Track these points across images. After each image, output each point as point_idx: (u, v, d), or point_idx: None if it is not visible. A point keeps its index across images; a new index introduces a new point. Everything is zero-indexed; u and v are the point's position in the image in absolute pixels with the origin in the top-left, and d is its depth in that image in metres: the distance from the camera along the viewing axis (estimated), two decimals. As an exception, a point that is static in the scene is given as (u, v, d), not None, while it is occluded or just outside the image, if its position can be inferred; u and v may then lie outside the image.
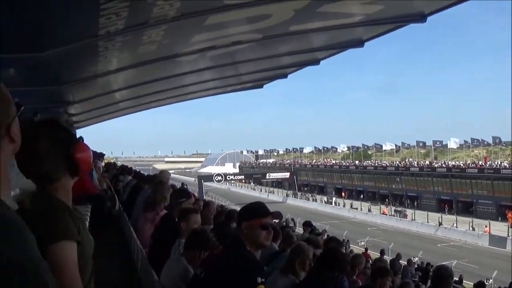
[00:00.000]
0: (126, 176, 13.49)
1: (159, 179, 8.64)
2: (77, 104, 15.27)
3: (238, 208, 5.49)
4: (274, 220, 3.85)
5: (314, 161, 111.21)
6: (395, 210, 66.97)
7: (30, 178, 2.10)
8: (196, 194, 58.54)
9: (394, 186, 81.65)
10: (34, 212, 1.98)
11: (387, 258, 23.55)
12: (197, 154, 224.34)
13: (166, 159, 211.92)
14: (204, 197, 59.59)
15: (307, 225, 12.82)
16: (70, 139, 2.14)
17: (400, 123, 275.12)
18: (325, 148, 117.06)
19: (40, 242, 1.71)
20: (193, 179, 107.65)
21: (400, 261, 22.39)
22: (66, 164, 2.10)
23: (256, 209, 3.56)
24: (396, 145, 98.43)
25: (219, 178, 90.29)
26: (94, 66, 9.87)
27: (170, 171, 10.65)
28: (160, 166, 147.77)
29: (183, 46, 10.57)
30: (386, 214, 66.62)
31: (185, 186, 22.11)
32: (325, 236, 11.31)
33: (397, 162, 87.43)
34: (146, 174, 16.47)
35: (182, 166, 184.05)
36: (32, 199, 2.09)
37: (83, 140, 2.19)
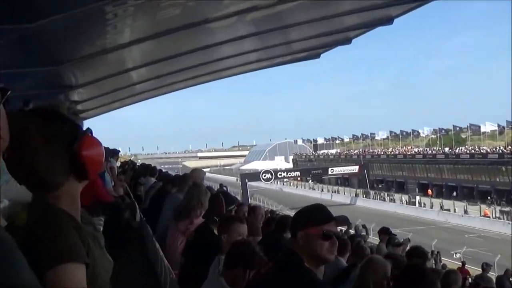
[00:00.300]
0: (148, 177, 13.64)
1: (192, 180, 8.69)
2: (81, 89, 15.55)
3: (292, 214, 5.44)
4: (340, 228, 3.80)
5: (390, 149, 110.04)
6: (500, 211, 65.46)
7: (24, 184, 2.06)
8: (239, 198, 58.63)
9: (498, 180, 79.80)
10: (29, 228, 1.97)
11: (492, 275, 23.04)
12: (239, 146, 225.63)
13: (199, 155, 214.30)
14: (250, 201, 59.92)
15: (384, 232, 12.69)
16: (74, 132, 2.08)
17: (503, 95, 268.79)
18: (404, 133, 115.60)
19: (37, 265, 1.71)
20: (234, 178, 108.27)
21: (511, 279, 21.87)
22: (69, 164, 2.05)
23: (316, 214, 3.53)
24: (499, 125, 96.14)
25: (268, 176, 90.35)
26: (101, 39, 10.00)
27: (204, 170, 10.72)
28: (191, 164, 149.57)
29: (215, 9, 10.58)
30: (489, 217, 65.21)
31: (224, 188, 22.22)
32: (408, 247, 11.17)
33: (502, 148, 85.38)
34: (174, 174, 16.64)
35: (219, 162, 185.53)
36: (27, 212, 2.05)
37: (91, 133, 2.14)
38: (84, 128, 2.15)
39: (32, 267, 1.72)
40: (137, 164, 24.29)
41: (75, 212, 2.09)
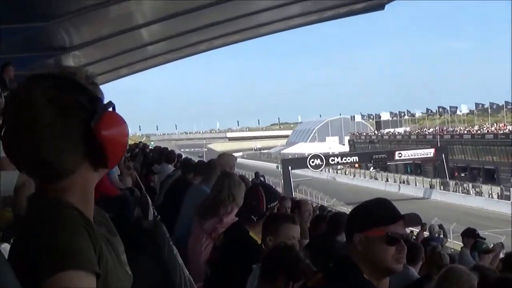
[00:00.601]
0: (164, 164, 13.76)
1: (220, 167, 8.71)
2: (78, 51, 15.65)
3: (348, 211, 5.42)
4: (409, 229, 3.78)
5: (475, 128, 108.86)
6: None
7: (24, 169, 2.04)
8: (280, 190, 58.35)
9: None
10: (25, 226, 1.98)
11: None
12: (279, 124, 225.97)
13: (228, 135, 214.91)
14: (294, 194, 59.92)
15: (468, 235, 12.59)
16: (92, 106, 2.04)
17: None
18: (495, 106, 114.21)
19: (34, 273, 1.74)
20: (274, 165, 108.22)
21: None
22: (84, 147, 2.02)
23: (378, 212, 3.52)
24: None
25: (317, 162, 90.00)
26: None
27: (235, 154, 10.71)
28: (219, 147, 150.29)
29: None
30: None
31: (261, 179, 22.27)
32: (501, 255, 11.09)
33: None
34: (197, 160, 16.73)
35: (255, 144, 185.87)
36: (28, 206, 2.05)
37: (114, 108, 2.10)
38: (106, 101, 2.10)
39: (27, 275, 1.75)
40: (150, 147, 24.50)
41: (87, 208, 2.07)
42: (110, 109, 2.07)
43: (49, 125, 1.95)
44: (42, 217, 1.94)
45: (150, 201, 10.77)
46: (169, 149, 17.21)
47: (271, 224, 5.57)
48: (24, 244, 1.88)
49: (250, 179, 19.35)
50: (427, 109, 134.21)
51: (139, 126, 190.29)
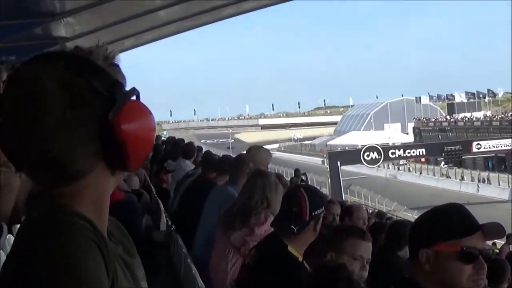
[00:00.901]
0: (180, 160, 13.80)
1: (251, 164, 8.71)
2: (71, 18, 15.72)
3: (412, 218, 5.39)
4: (491, 242, 3.77)
5: None
6: None
7: (26, 170, 2.01)
8: (327, 192, 58.44)
9: None
10: (22, 240, 1.96)
11: None
12: (325, 108, 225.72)
13: (261, 122, 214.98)
14: (344, 197, 59.88)
15: None
16: (111, 93, 2.00)
17: None
18: None
19: None
20: (318, 160, 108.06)
21: None
22: (100, 144, 1.99)
23: (450, 221, 3.51)
24: None
25: (374, 156, 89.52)
26: None
27: (270, 147, 10.70)
28: (249, 137, 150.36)
29: None
30: None
31: (302, 178, 22.27)
32: None
33: None
34: (221, 154, 16.78)
35: (294, 134, 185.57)
36: (25, 213, 2.03)
37: (139, 97, 2.07)
38: (128, 88, 2.07)
39: None
40: (162, 138, 24.61)
41: (100, 220, 2.05)
42: (134, 97, 2.05)
43: (58, 117, 1.92)
44: (41, 228, 1.90)
45: (162, 207, 10.83)
46: (186, 141, 17.27)
47: (335, 238, 5.55)
48: (16, 261, 1.86)
49: (289, 178, 19.33)
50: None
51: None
